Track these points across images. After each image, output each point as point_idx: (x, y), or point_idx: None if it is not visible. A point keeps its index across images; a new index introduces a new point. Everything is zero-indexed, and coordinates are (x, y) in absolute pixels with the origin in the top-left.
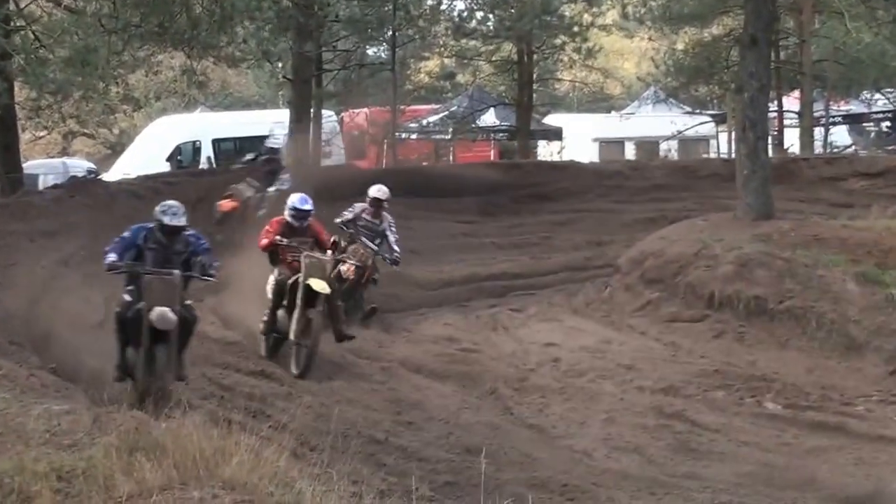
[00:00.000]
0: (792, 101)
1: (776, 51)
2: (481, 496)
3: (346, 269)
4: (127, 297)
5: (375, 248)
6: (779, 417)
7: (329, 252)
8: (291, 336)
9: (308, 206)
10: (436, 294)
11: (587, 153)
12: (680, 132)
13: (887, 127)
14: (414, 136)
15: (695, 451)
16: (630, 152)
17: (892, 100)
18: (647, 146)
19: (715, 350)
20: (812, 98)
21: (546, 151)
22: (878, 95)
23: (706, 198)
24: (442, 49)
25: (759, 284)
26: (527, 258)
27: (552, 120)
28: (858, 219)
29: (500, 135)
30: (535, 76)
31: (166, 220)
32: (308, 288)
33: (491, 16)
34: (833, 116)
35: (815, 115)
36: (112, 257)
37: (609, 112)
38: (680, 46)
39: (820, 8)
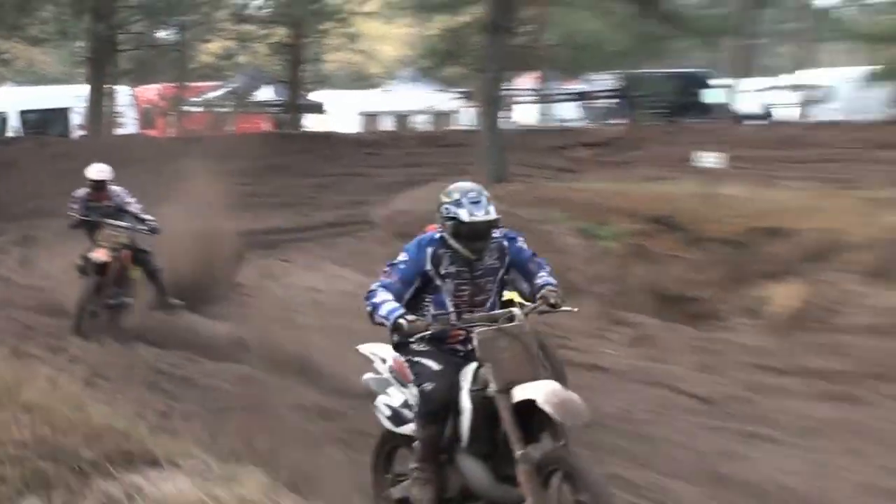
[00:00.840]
0: (529, 81)
1: (515, 36)
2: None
3: (98, 254)
4: (433, 364)
5: (124, 224)
6: None
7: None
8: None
9: None
10: None
11: (352, 125)
12: (431, 107)
13: (616, 103)
14: (198, 109)
15: None
16: (388, 124)
17: (615, 79)
18: (403, 119)
19: None
20: (546, 78)
21: (315, 123)
22: (603, 75)
23: (451, 164)
24: (224, 32)
25: None
26: (296, 215)
27: (321, 96)
28: (581, 182)
29: (275, 108)
30: (305, 57)
31: (464, 214)
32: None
33: (267, 3)
34: (565, 93)
35: (549, 92)
36: (387, 306)
37: (371, 88)
38: (432, 32)
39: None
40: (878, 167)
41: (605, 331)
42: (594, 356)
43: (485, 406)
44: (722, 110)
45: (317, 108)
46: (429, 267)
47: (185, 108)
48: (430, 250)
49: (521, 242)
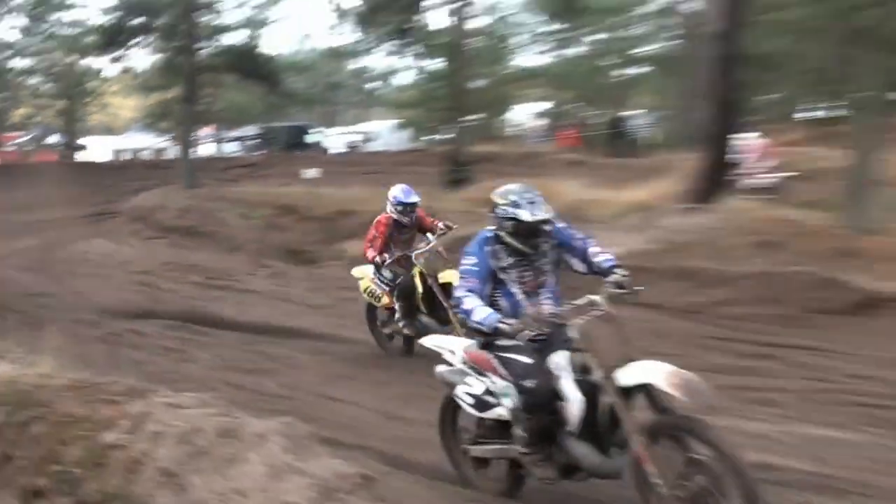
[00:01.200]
0: (208, 130)
1: (200, 105)
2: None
3: None
4: (525, 359)
5: None
6: (202, 284)
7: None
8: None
9: (414, 199)
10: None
11: (106, 157)
12: (152, 146)
13: (257, 142)
14: (13, 149)
15: (158, 300)
16: (128, 156)
17: (257, 128)
18: (136, 152)
19: (170, 253)
20: (218, 128)
21: (83, 156)
22: (250, 126)
23: (164, 178)
24: (27, 103)
25: (192, 220)
26: (74, 209)
27: (86, 140)
28: (240, 188)
29: (59, 147)
30: (76, 117)
31: (525, 215)
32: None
33: (53, 87)
34: (229, 136)
35: (220, 136)
36: (481, 312)
37: (117, 135)
38: (151, 102)
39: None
40: (404, 176)
41: (255, 270)
42: (249, 285)
43: (586, 391)
44: (317, 146)
45: (84, 148)
46: (492, 264)
47: (4, 148)
48: (487, 249)
49: (561, 223)
